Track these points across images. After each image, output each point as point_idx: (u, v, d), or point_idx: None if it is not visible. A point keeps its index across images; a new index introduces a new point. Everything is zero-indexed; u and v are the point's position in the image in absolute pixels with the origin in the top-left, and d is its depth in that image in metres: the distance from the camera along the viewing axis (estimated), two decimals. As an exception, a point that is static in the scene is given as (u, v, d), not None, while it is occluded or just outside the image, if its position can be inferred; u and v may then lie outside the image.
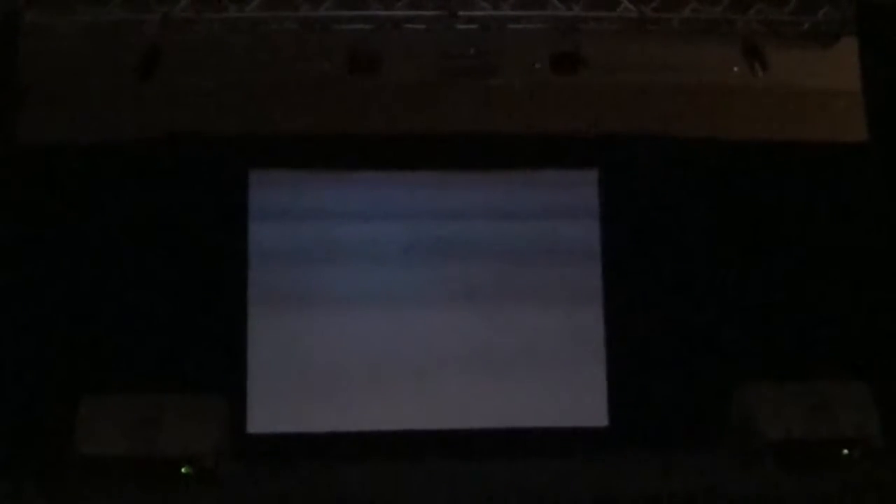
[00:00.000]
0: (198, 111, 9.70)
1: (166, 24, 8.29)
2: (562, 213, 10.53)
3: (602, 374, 10.25)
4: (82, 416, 8.03)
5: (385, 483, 8.08)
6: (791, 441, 8.40)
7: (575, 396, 10.13)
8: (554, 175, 10.61)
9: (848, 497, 6.81)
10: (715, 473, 8.07)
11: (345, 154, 10.27)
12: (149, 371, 9.38)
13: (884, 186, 8.40)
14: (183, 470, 7.90)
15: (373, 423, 9.81)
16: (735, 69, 9.21)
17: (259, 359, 9.99)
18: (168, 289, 9.85)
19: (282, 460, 9.12)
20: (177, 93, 9.40)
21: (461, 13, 8.50)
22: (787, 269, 10.30)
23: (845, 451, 8.44)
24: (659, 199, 10.50)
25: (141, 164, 9.96)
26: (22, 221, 9.08)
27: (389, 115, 9.88)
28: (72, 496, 6.96)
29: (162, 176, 10.01)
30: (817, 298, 10.17)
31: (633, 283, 10.34)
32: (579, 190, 10.64)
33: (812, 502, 6.70)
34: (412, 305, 10.26)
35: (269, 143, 10.13)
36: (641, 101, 10.01)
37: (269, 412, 9.87)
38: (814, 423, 8.49)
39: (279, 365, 9.99)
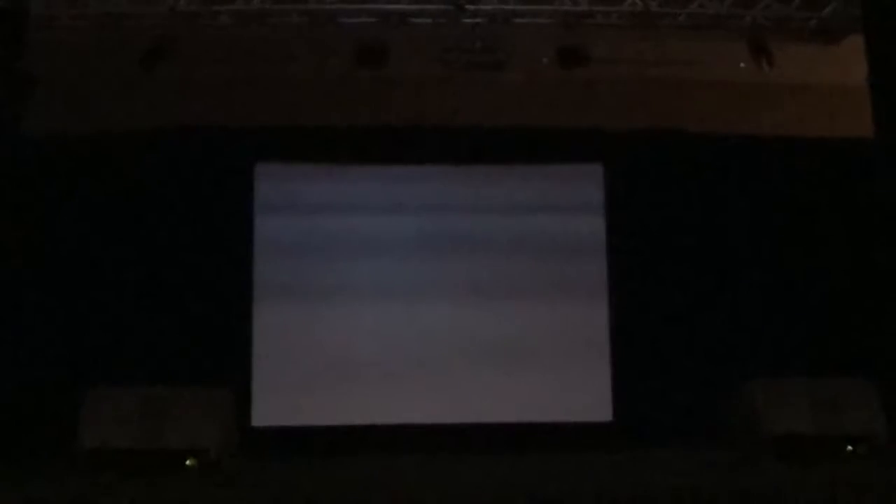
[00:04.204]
0: (204, 103, 9.72)
1: (174, 16, 8.30)
2: (567, 207, 10.53)
3: (607, 369, 10.28)
4: (87, 408, 8.02)
5: (388, 476, 8.09)
6: (795, 437, 8.40)
7: (580, 391, 10.15)
8: (559, 169, 10.60)
9: (851, 493, 6.79)
10: (719, 469, 8.08)
11: (350, 147, 10.28)
12: (154, 364, 9.40)
13: (891, 182, 8.38)
14: (188, 462, 7.90)
15: (377, 416, 9.85)
16: (741, 65, 9.21)
17: (264, 352, 10.03)
18: (173, 281, 9.88)
19: (286, 453, 9.17)
20: (183, 85, 9.43)
21: (468, 7, 8.51)
22: (792, 266, 10.31)
23: (849, 448, 8.44)
24: (664, 194, 10.50)
25: (146, 156, 9.96)
26: (27, 212, 9.11)
27: (395, 108, 9.89)
28: (76, 488, 6.96)
29: (167, 168, 10.03)
30: (823, 296, 10.19)
31: (638, 278, 10.35)
32: (584, 184, 10.64)
33: (815, 498, 6.68)
34: (417, 299, 10.27)
35: (274, 135, 10.15)
36: (647, 96, 10.02)
37: (274, 405, 9.90)
38: (818, 420, 8.49)
39: (284, 358, 10.01)
